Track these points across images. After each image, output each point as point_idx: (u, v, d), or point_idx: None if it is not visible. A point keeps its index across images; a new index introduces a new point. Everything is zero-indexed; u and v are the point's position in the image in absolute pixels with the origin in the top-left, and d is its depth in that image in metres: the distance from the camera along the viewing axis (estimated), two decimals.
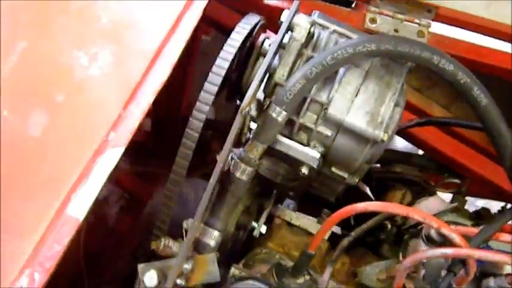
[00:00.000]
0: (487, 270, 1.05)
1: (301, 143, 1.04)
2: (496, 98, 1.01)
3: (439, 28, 1.43)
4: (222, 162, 0.95)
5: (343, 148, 1.02)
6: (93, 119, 0.87)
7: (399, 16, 1.43)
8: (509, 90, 1.49)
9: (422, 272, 1.10)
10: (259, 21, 1.09)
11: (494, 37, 1.44)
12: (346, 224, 1.47)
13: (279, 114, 0.97)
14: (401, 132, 1.43)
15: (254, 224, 1.23)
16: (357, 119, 0.99)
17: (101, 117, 0.87)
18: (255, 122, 1.05)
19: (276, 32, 1.36)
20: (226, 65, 0.99)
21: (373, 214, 1.25)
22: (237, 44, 1.01)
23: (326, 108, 1.00)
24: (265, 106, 1.02)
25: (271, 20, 1.51)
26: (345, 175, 1.06)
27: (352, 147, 1.01)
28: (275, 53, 1.00)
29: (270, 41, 1.07)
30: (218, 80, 0.98)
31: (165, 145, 1.49)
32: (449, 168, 1.49)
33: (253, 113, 1.06)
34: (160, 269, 0.94)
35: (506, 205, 1.51)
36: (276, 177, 1.14)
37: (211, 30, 1.64)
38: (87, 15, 0.93)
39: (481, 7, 1.43)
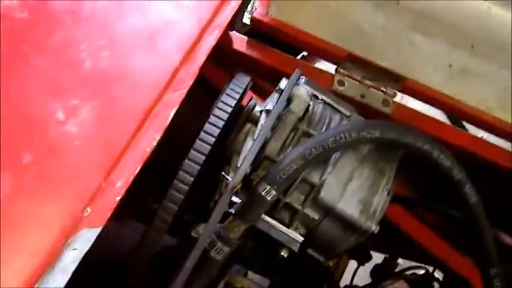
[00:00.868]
0: None
1: (283, 223, 0.95)
2: None
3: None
4: (203, 243, 0.84)
5: (328, 233, 0.95)
6: (66, 188, 0.72)
7: (367, 82, 1.41)
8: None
9: None
10: (249, 82, 0.99)
11: (455, 116, 1.46)
12: None
13: (268, 193, 0.88)
14: None
15: None
16: (350, 207, 0.92)
17: (75, 187, 0.72)
18: (235, 195, 0.94)
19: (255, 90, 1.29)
20: (216, 132, 0.88)
21: None
22: (229, 109, 0.90)
23: (317, 191, 0.93)
24: (254, 181, 0.92)
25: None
26: (321, 259, 0.99)
27: (338, 234, 0.95)
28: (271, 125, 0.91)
29: (260, 107, 0.97)
30: (206, 149, 0.86)
31: None
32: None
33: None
34: None
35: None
36: (243, 251, 1.04)
37: None
38: (67, 57, 0.77)
39: (442, 81, 1.45)
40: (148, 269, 1.03)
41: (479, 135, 1.54)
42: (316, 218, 0.94)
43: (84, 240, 0.70)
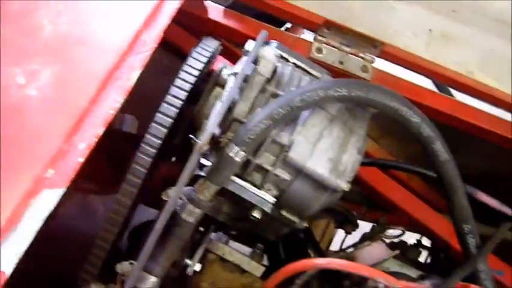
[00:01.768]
0: None
1: (254, 184, 0.96)
2: None
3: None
4: (171, 206, 0.84)
5: (299, 193, 0.95)
6: (28, 151, 0.73)
7: (345, 48, 1.40)
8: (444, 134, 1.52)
9: None
10: (217, 46, 0.99)
11: (434, 79, 1.45)
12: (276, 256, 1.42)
13: (237, 154, 0.88)
14: None
15: (188, 261, 1.12)
16: (319, 166, 0.92)
17: (37, 149, 0.73)
18: (205, 158, 0.95)
19: (228, 56, 1.29)
20: (183, 95, 0.88)
21: None
22: (195, 72, 0.91)
23: (287, 151, 0.93)
24: (222, 143, 0.93)
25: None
26: (295, 220, 1.00)
27: (309, 194, 0.95)
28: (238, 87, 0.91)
29: (228, 70, 0.97)
30: (173, 112, 0.87)
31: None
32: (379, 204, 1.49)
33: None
34: None
35: (421, 237, 1.54)
36: (218, 215, 1.05)
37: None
38: (26, 22, 0.78)
39: (422, 46, 1.44)
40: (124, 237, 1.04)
41: None
42: (287, 178, 0.95)
43: (47, 201, 0.71)
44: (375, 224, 1.59)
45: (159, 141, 0.86)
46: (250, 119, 0.89)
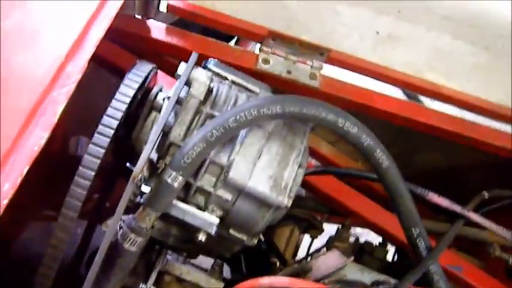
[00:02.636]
0: None
1: (198, 206, 0.95)
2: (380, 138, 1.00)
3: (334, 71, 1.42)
4: (110, 236, 0.83)
5: (243, 212, 0.95)
6: None
7: (292, 57, 1.40)
8: (392, 133, 1.53)
9: None
10: (151, 69, 0.98)
11: (382, 81, 1.46)
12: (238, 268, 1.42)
13: (175, 179, 0.87)
14: None
15: (142, 286, 1.11)
16: (260, 184, 0.92)
17: None
18: (146, 184, 0.94)
19: (168, 72, 1.28)
20: (115, 124, 0.87)
21: None
22: (127, 100, 0.89)
23: (227, 172, 0.92)
24: (160, 169, 0.92)
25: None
26: (244, 237, 0.99)
27: (253, 212, 0.95)
28: (171, 111, 0.90)
29: (164, 94, 0.96)
30: (109, 132, 0.85)
31: None
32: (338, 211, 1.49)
33: (145, 173, 0.94)
34: None
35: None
36: (167, 239, 1.04)
37: None
38: None
39: (369, 49, 1.45)
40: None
41: None
42: (230, 198, 0.94)
43: None
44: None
45: (97, 162, 0.84)
46: (186, 142, 0.88)
